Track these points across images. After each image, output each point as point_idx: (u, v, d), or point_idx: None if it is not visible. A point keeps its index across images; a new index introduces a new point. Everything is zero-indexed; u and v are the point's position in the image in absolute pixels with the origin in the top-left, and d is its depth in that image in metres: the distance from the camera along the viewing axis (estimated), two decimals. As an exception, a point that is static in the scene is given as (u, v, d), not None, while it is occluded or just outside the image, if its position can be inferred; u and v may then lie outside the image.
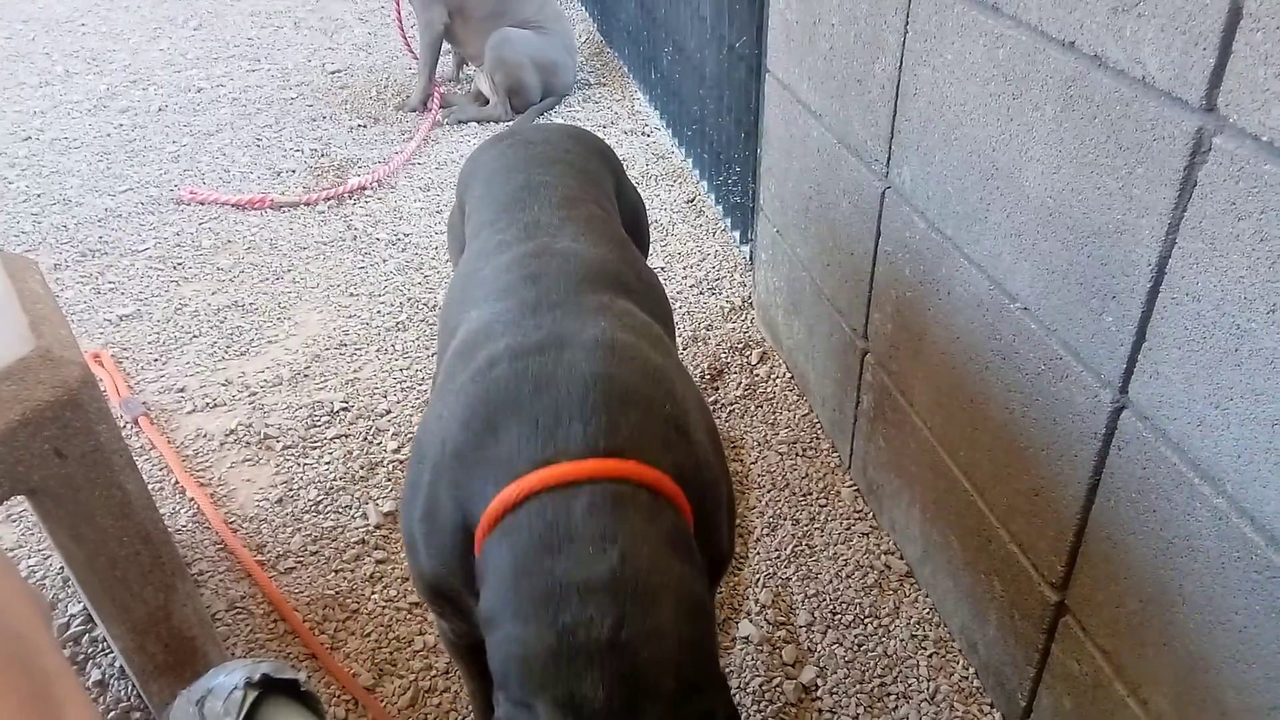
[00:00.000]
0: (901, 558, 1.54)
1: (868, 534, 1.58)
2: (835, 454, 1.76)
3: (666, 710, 0.67)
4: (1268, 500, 0.77)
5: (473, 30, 3.30)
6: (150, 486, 1.70)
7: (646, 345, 0.90)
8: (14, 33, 4.30)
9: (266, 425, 1.85)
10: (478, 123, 3.30)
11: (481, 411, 0.81)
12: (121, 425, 1.85)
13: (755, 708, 1.31)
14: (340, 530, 1.61)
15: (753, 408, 1.88)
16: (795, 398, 1.90)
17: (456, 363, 0.90)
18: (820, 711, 1.31)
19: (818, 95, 1.59)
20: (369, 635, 1.42)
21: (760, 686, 1.34)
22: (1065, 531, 1.05)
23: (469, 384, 0.84)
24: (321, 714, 0.88)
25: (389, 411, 1.88)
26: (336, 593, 1.49)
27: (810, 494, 1.67)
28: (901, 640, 1.40)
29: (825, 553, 1.55)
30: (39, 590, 1.50)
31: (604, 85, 3.60)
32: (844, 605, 1.46)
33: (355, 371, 2.01)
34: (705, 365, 2.01)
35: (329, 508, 1.66)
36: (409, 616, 1.45)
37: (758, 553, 1.55)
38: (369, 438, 1.81)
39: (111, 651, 1.36)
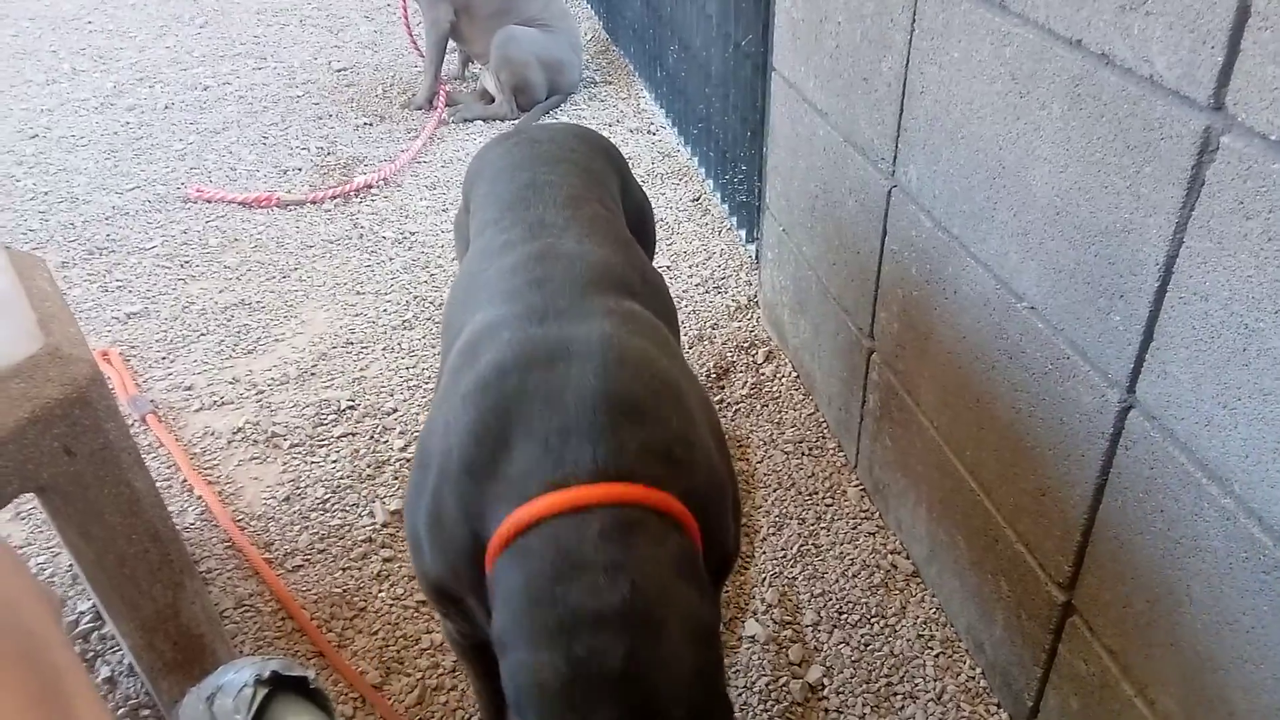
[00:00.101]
0: (908, 557, 1.53)
1: (874, 533, 1.58)
2: (841, 453, 1.76)
3: None
4: (1276, 500, 0.76)
5: (478, 28, 3.30)
6: (158, 484, 1.70)
7: (653, 349, 0.90)
8: (21, 30, 4.32)
9: (274, 423, 1.86)
10: (483, 121, 3.31)
11: (492, 425, 0.81)
12: (129, 423, 1.85)
13: (761, 707, 1.31)
14: (347, 528, 1.61)
15: (758, 407, 1.88)
16: (801, 397, 1.90)
17: (461, 366, 0.90)
18: (826, 711, 1.31)
19: (824, 93, 1.58)
20: (376, 633, 1.43)
21: (766, 686, 1.34)
22: (1072, 531, 1.05)
23: (477, 394, 0.83)
24: (330, 711, 0.88)
25: (395, 410, 1.89)
26: (344, 591, 1.50)
27: (816, 493, 1.67)
28: (908, 640, 1.40)
29: (831, 552, 1.55)
30: (49, 587, 1.51)
31: (609, 83, 3.60)
32: (850, 605, 1.46)
33: (362, 370, 2.01)
34: (711, 364, 2.01)
35: (336, 506, 1.66)
36: (416, 615, 1.45)
37: (764, 552, 1.55)
38: (376, 436, 1.82)
39: (121, 649, 1.37)
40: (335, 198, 2.75)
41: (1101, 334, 0.95)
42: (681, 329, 2.12)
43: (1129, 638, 0.98)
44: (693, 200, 2.70)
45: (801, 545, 1.56)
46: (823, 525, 1.60)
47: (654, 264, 1.63)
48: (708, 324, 2.14)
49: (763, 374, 1.98)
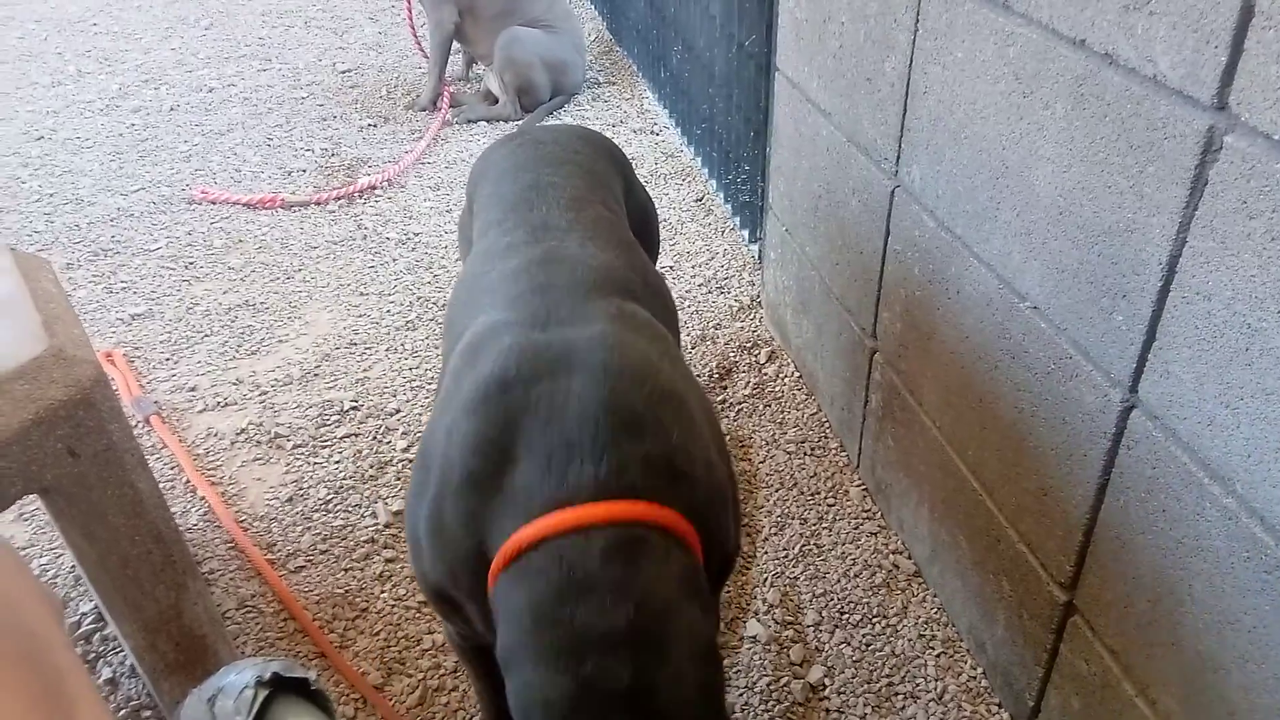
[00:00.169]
0: (910, 557, 1.53)
1: (876, 533, 1.58)
2: (844, 453, 1.76)
3: None
4: (1278, 500, 0.76)
5: (482, 29, 3.30)
6: (161, 485, 1.70)
7: (653, 355, 0.89)
8: (27, 33, 4.33)
9: (277, 424, 1.86)
10: (487, 122, 3.31)
11: (495, 438, 0.81)
12: (133, 424, 1.86)
13: (763, 707, 1.31)
14: (350, 529, 1.61)
15: (761, 407, 1.88)
16: (804, 397, 1.90)
17: (462, 370, 0.89)
18: (828, 711, 1.31)
19: (827, 94, 1.58)
20: (378, 634, 1.43)
21: (768, 686, 1.34)
22: (1074, 531, 1.05)
23: (480, 405, 0.83)
24: (331, 712, 0.88)
25: (398, 410, 1.89)
26: (346, 591, 1.50)
27: (818, 493, 1.67)
28: (909, 640, 1.40)
29: (833, 552, 1.55)
30: (52, 589, 1.51)
31: (613, 84, 3.60)
32: (852, 605, 1.46)
33: (365, 370, 2.02)
34: (714, 364, 2.00)
35: (339, 507, 1.66)
36: (418, 615, 1.46)
37: (766, 552, 1.55)
38: (379, 437, 1.82)
39: (123, 650, 1.37)
40: (339, 199, 2.75)
41: (1104, 334, 0.94)
42: (684, 329, 2.12)
43: (1130, 637, 0.98)
44: (696, 200, 2.70)
45: (803, 545, 1.56)
46: (825, 525, 1.60)
47: (658, 264, 1.63)
48: (710, 324, 2.14)
49: (765, 374, 1.98)
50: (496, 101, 3.40)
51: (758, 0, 2.03)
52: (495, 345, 0.88)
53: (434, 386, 1.97)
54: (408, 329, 2.15)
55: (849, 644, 1.40)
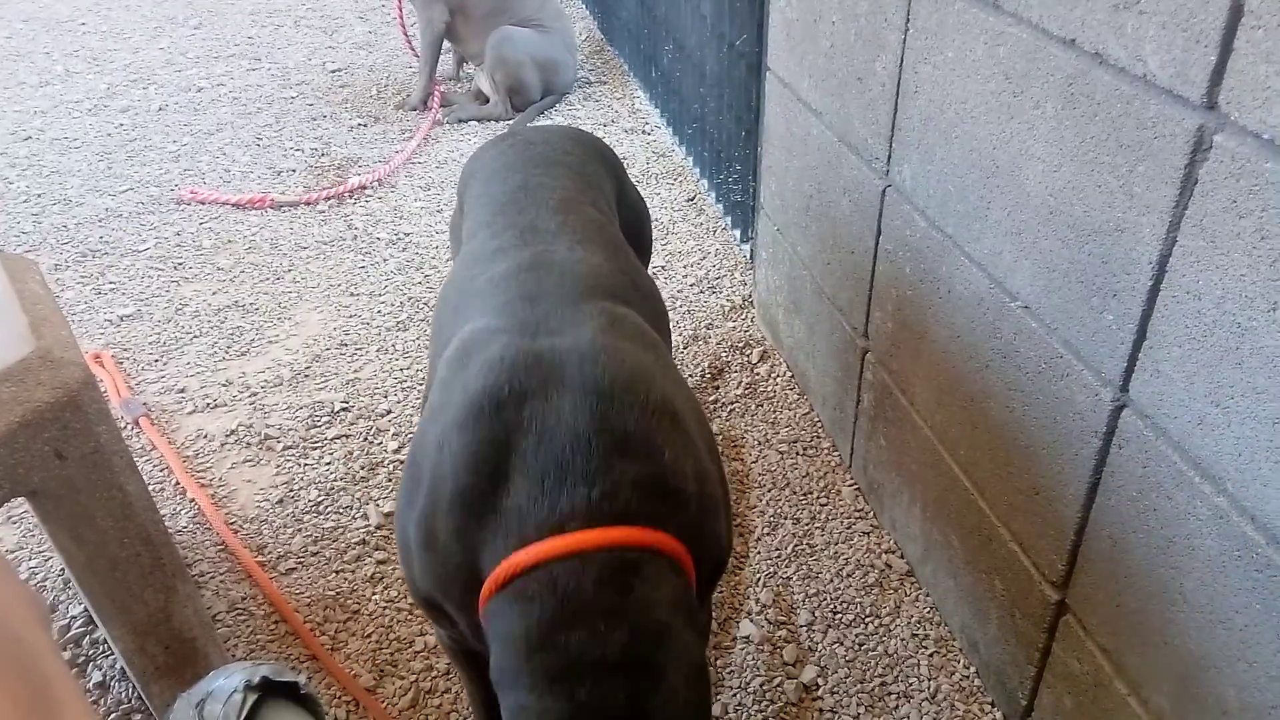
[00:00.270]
0: (902, 557, 1.53)
1: (868, 533, 1.58)
2: (836, 453, 1.76)
3: None
4: (1268, 499, 0.76)
5: (473, 28, 3.30)
6: (151, 487, 1.70)
7: (644, 365, 0.89)
8: (14, 32, 4.30)
9: (267, 426, 1.85)
10: (478, 121, 3.30)
11: (487, 456, 0.80)
12: (122, 426, 1.85)
13: (756, 707, 1.31)
14: (341, 531, 1.61)
15: (753, 406, 1.88)
16: (796, 396, 1.90)
17: (451, 380, 0.89)
18: (821, 711, 1.31)
19: (818, 93, 1.58)
20: (370, 636, 1.42)
21: (761, 686, 1.34)
22: (1066, 530, 1.05)
23: (473, 422, 0.82)
24: (321, 717, 0.88)
25: (389, 412, 1.88)
26: (337, 594, 1.49)
27: (811, 493, 1.67)
28: (902, 639, 1.40)
29: (826, 552, 1.55)
30: (38, 592, 1.50)
31: (604, 83, 3.59)
32: (845, 604, 1.46)
33: (356, 371, 2.01)
34: (706, 364, 2.00)
35: (330, 508, 1.66)
36: (410, 618, 1.45)
37: (758, 552, 1.55)
38: (369, 438, 1.81)
39: (112, 653, 1.36)
40: (329, 199, 2.74)
41: (1095, 333, 0.95)
42: (676, 329, 2.11)
43: (1122, 636, 0.98)
44: (687, 200, 2.70)
45: (796, 545, 1.56)
46: (817, 525, 1.60)
47: (650, 265, 1.63)
48: (702, 324, 2.14)
49: (757, 374, 1.98)
50: (487, 101, 3.40)
51: (749, 0, 2.03)
52: (484, 355, 0.87)
53: (424, 388, 1.96)
54: (399, 329, 2.15)
55: (842, 644, 1.40)
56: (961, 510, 1.30)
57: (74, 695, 0.48)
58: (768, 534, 1.59)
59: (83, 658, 1.38)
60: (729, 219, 2.53)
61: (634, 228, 1.42)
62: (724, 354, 2.04)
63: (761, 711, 1.31)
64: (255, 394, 1.95)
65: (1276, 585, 0.77)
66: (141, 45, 4.11)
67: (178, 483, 1.71)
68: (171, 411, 1.91)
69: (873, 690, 1.33)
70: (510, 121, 3.26)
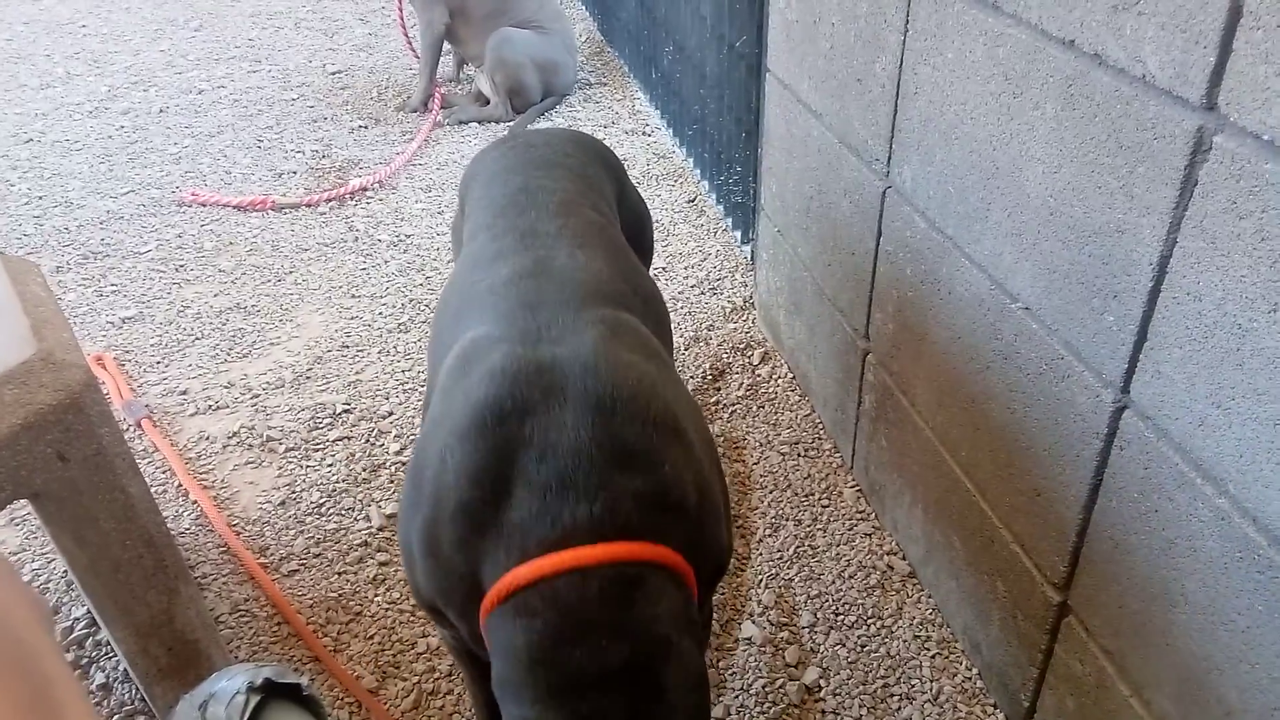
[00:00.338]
0: (904, 558, 1.53)
1: (870, 534, 1.58)
2: (837, 454, 1.76)
3: None
4: (1270, 500, 0.76)
5: (473, 30, 3.30)
6: (153, 489, 1.70)
7: (645, 372, 0.89)
8: (15, 35, 4.31)
9: (269, 427, 1.85)
10: (478, 123, 3.30)
11: (489, 469, 0.81)
12: (124, 428, 1.85)
13: (758, 709, 1.31)
14: (343, 533, 1.61)
15: (754, 408, 1.88)
16: (797, 398, 1.90)
17: (452, 388, 0.89)
18: (823, 713, 1.31)
19: (818, 94, 1.58)
20: (372, 638, 1.42)
21: (763, 688, 1.34)
22: (1067, 532, 1.05)
23: (475, 435, 0.82)
24: (323, 718, 0.88)
25: (391, 413, 1.88)
26: (339, 595, 1.49)
27: (812, 494, 1.67)
28: (904, 641, 1.40)
29: (828, 553, 1.55)
30: (40, 594, 1.50)
31: (604, 85, 3.60)
32: (847, 606, 1.46)
33: (357, 373, 2.01)
34: (707, 365, 2.00)
35: (332, 510, 1.66)
36: (412, 619, 1.45)
37: (760, 554, 1.55)
38: (371, 439, 1.82)
39: (115, 655, 1.36)
40: (330, 201, 2.75)
41: (1096, 334, 0.95)
42: (677, 330, 2.11)
43: (1124, 638, 0.98)
44: (688, 201, 2.70)
45: (798, 547, 1.56)
46: (819, 526, 1.60)
47: (651, 266, 1.63)
48: (703, 325, 2.14)
49: (758, 375, 1.98)
50: (488, 103, 3.40)
51: (748, 1, 2.03)
52: (486, 365, 0.87)
53: (425, 390, 1.96)
54: (400, 331, 2.15)
55: (844, 645, 1.40)
56: (963, 512, 1.30)
57: (75, 696, 0.48)
58: (769, 535, 1.59)
59: (86, 659, 1.38)
60: (729, 220, 2.53)
61: (635, 229, 1.42)
62: (725, 355, 2.04)
63: (764, 713, 1.31)
64: (257, 396, 1.95)
65: (1278, 586, 0.77)
66: (142, 48, 4.12)
67: (180, 485, 1.72)
68: (173, 413, 1.91)
69: (875, 692, 1.33)
70: (511, 123, 3.27)
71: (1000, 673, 1.28)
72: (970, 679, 1.34)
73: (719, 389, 1.94)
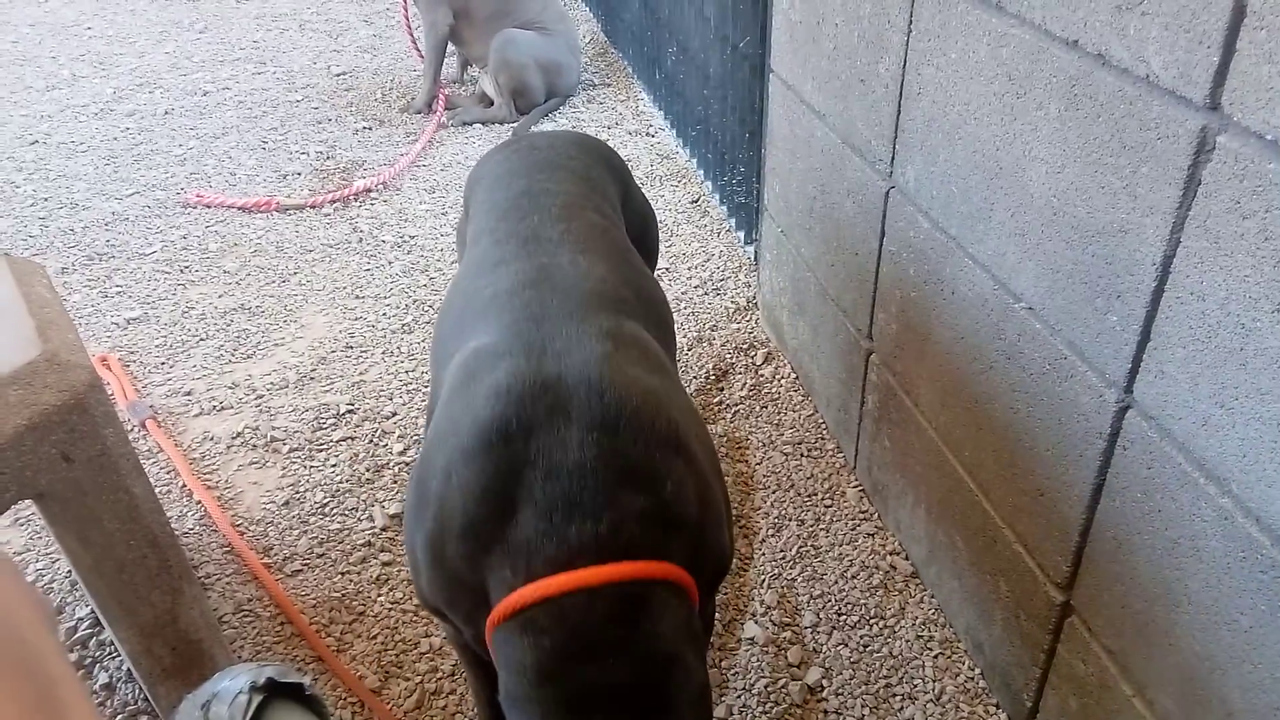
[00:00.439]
0: (907, 558, 1.53)
1: (873, 534, 1.58)
2: (840, 454, 1.76)
3: None
4: (1273, 500, 0.76)
5: (477, 31, 3.30)
6: (157, 490, 1.70)
7: (649, 387, 0.89)
8: (21, 37, 4.32)
9: (273, 428, 1.86)
10: (482, 124, 3.31)
11: (495, 488, 0.81)
12: (129, 428, 1.85)
13: (761, 709, 1.31)
14: (347, 533, 1.61)
15: (758, 408, 1.88)
16: (800, 398, 1.90)
17: (457, 401, 0.89)
18: (826, 713, 1.31)
19: (821, 95, 1.58)
20: (375, 638, 1.43)
21: (765, 688, 1.34)
22: (1070, 531, 1.05)
23: (481, 454, 0.83)
24: (326, 718, 0.88)
25: (395, 414, 1.89)
26: (343, 595, 1.50)
27: (815, 494, 1.67)
28: (907, 641, 1.40)
29: (830, 553, 1.55)
30: (43, 594, 1.51)
31: (608, 86, 3.60)
32: (849, 606, 1.46)
33: (361, 374, 2.02)
34: (710, 366, 2.00)
35: (335, 510, 1.66)
36: (415, 619, 1.45)
37: (763, 554, 1.55)
38: (375, 440, 1.82)
39: (119, 655, 1.37)
40: (334, 202, 2.75)
41: (1099, 334, 0.95)
42: (680, 330, 2.12)
43: (1127, 638, 0.98)
44: (691, 202, 2.70)
45: (800, 547, 1.56)
46: (822, 526, 1.60)
47: (656, 267, 1.63)
48: (707, 325, 2.14)
49: (761, 375, 1.98)
50: (491, 104, 3.40)
51: (752, 2, 2.03)
52: (490, 380, 0.87)
53: (429, 392, 1.96)
54: (404, 332, 2.15)
55: (847, 645, 1.40)
56: (966, 511, 1.29)
57: (79, 696, 0.48)
58: (772, 535, 1.59)
59: (90, 659, 1.38)
60: (733, 221, 2.53)
61: (640, 231, 1.42)
62: (728, 356, 2.04)
63: (766, 713, 1.31)
64: (261, 396, 1.95)
65: (1281, 586, 0.77)
66: (147, 49, 4.13)
67: (184, 485, 1.72)
68: (178, 414, 1.91)
69: (877, 692, 1.33)
70: (515, 124, 3.27)
71: (1003, 673, 1.27)
72: (973, 679, 1.34)
73: (722, 389, 1.94)
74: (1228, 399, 0.79)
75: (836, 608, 1.46)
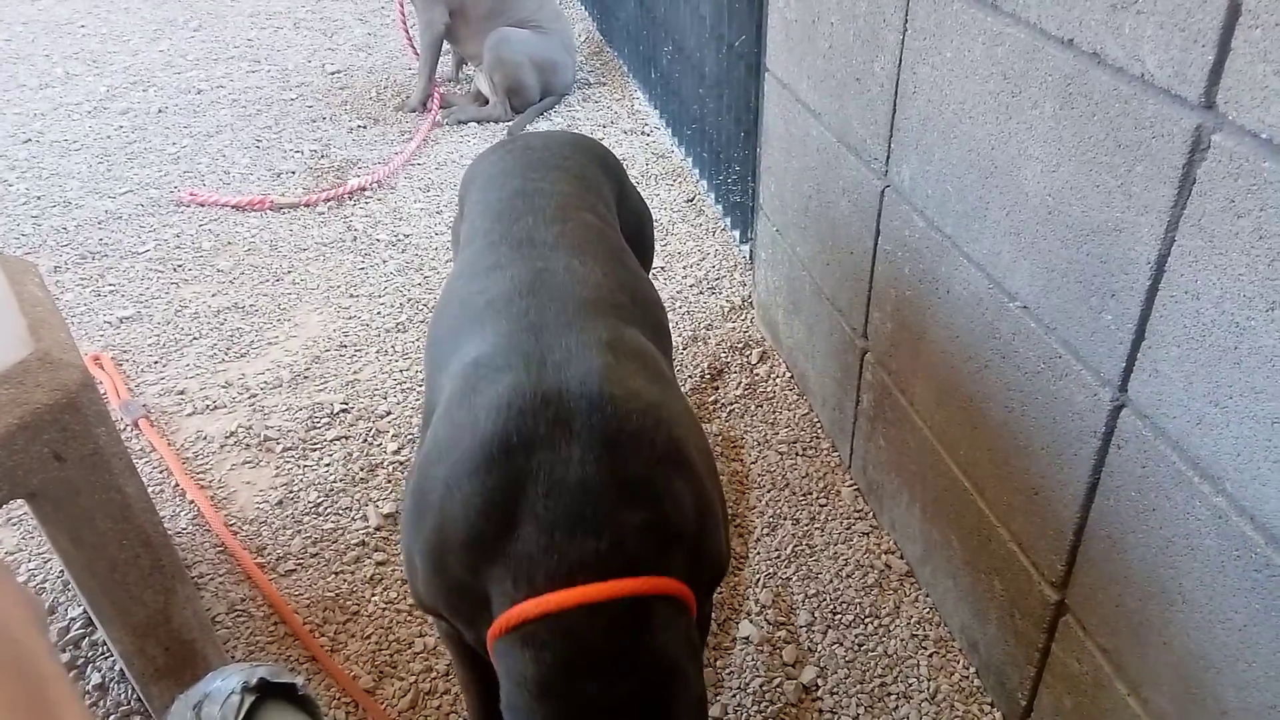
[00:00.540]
0: (902, 557, 1.53)
1: (868, 533, 1.58)
2: (835, 453, 1.76)
3: None
4: (1267, 499, 0.76)
5: (472, 30, 3.30)
6: (150, 489, 1.70)
7: (648, 397, 0.89)
8: (14, 35, 4.31)
9: (267, 427, 1.85)
10: (478, 123, 3.30)
11: (497, 503, 0.82)
12: (121, 428, 1.85)
13: (755, 708, 1.31)
14: (340, 532, 1.61)
15: (753, 407, 1.88)
16: (795, 397, 1.90)
17: (456, 411, 0.89)
18: (821, 712, 1.31)
19: (817, 94, 1.58)
20: (369, 637, 1.42)
21: (760, 687, 1.34)
22: (1065, 530, 1.05)
23: (484, 469, 0.83)
24: (319, 718, 0.88)
25: (389, 413, 1.88)
26: (336, 595, 1.49)
27: (810, 493, 1.67)
28: (902, 640, 1.40)
29: (825, 552, 1.55)
30: (35, 594, 1.50)
31: (603, 84, 3.60)
32: (844, 605, 1.46)
33: (355, 373, 2.01)
34: (705, 365, 2.00)
35: (329, 510, 1.65)
36: (409, 619, 1.45)
37: (758, 553, 1.55)
38: (369, 439, 1.81)
39: (112, 655, 1.36)
40: (329, 201, 2.74)
41: (1094, 333, 0.95)
42: (676, 330, 2.11)
43: (1122, 636, 0.98)
44: (687, 201, 2.70)
45: (795, 546, 1.56)
46: (817, 526, 1.60)
47: (651, 267, 1.63)
48: (702, 325, 2.14)
49: (757, 374, 1.97)
50: (487, 102, 3.40)
51: (747, 1, 2.03)
52: (491, 395, 0.87)
53: (424, 393, 1.96)
54: (398, 331, 2.15)
55: (841, 644, 1.40)
56: (961, 511, 1.29)
57: (70, 697, 0.48)
58: (767, 535, 1.59)
59: (82, 659, 1.37)
60: (728, 220, 2.53)
61: (635, 231, 1.42)
62: (723, 355, 2.04)
63: (761, 712, 1.31)
64: (255, 395, 1.95)
65: (1275, 585, 0.77)
66: (141, 48, 4.11)
67: (177, 484, 1.71)
68: (171, 413, 1.90)
69: (872, 691, 1.33)
70: (510, 123, 3.26)
71: (998, 671, 1.27)
72: (968, 678, 1.34)
73: (717, 388, 1.94)
74: (1222, 398, 0.79)
75: (831, 607, 1.46)
